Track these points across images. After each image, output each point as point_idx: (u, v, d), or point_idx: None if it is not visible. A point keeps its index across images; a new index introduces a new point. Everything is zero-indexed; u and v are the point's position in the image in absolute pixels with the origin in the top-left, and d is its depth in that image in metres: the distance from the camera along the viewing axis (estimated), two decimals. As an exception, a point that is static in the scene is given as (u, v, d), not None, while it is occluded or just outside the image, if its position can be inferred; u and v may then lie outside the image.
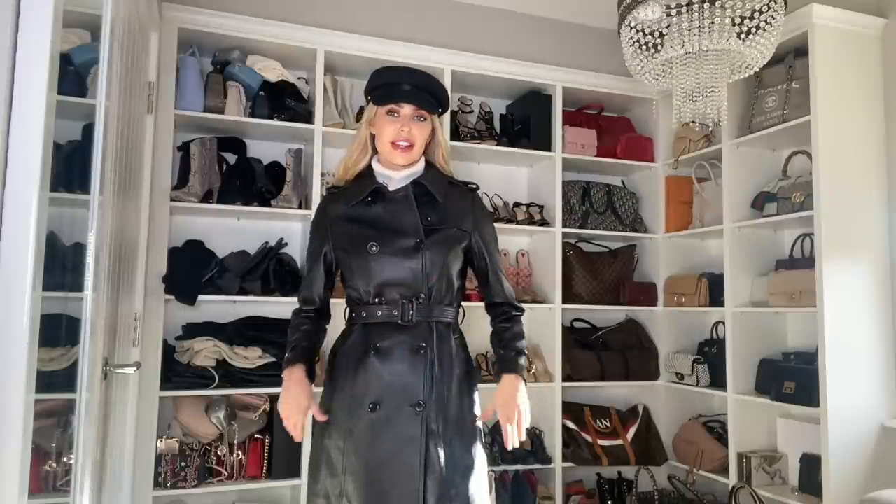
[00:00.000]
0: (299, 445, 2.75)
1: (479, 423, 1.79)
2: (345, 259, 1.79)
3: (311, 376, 1.77)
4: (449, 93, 3.07)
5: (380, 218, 1.77)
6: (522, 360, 1.78)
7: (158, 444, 2.62)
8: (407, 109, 1.77)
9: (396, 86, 1.78)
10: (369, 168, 1.85)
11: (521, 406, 1.69)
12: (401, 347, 1.70)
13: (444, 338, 1.75)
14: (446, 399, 1.71)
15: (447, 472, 1.65)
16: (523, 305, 3.22)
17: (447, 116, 3.14)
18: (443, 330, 1.75)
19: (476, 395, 1.81)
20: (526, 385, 1.76)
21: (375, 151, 1.85)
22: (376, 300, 1.73)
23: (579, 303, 3.37)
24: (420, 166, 1.84)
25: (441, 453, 1.66)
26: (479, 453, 1.75)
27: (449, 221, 1.79)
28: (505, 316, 1.85)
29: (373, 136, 1.84)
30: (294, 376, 1.73)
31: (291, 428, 1.69)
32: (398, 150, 1.77)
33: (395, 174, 1.81)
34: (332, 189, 1.89)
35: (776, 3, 1.96)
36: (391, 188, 1.81)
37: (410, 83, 1.78)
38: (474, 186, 1.90)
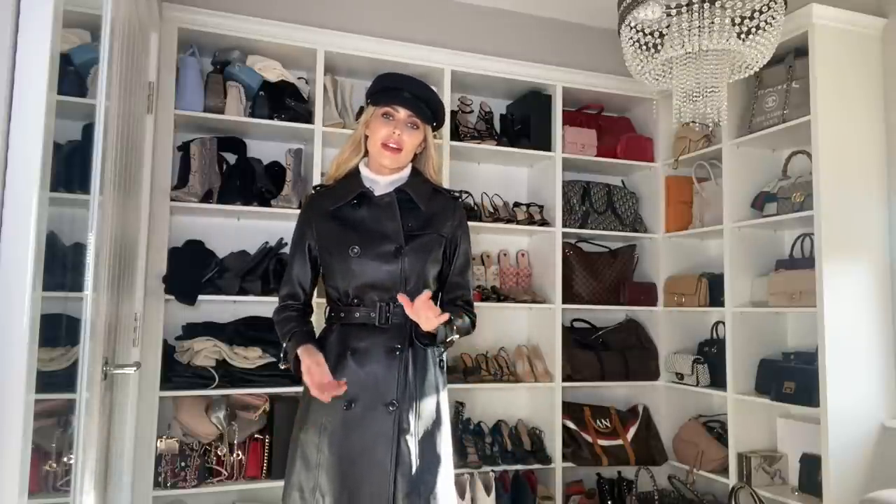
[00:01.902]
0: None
1: (448, 422, 1.85)
2: (327, 259, 1.83)
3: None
4: (448, 90, 3.13)
5: (363, 222, 1.82)
6: (447, 325, 1.73)
7: (158, 444, 2.62)
8: (402, 114, 1.83)
9: (397, 91, 1.84)
10: (357, 171, 1.90)
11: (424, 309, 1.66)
12: (377, 348, 1.76)
13: None
14: (418, 398, 1.77)
15: (416, 468, 1.72)
16: (523, 305, 3.22)
17: (447, 118, 3.14)
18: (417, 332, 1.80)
19: (445, 394, 1.87)
20: (439, 349, 1.80)
21: (367, 154, 1.90)
22: (355, 301, 1.79)
23: (579, 303, 3.37)
24: (405, 173, 1.89)
25: (411, 450, 1.73)
26: (447, 450, 1.82)
27: (429, 227, 1.84)
28: (457, 304, 1.88)
29: (367, 138, 1.89)
30: (308, 352, 1.73)
31: (327, 391, 1.66)
32: (387, 151, 1.82)
33: (382, 179, 1.87)
34: (318, 188, 1.95)
35: (776, 3, 1.96)
36: (377, 193, 1.86)
37: (410, 91, 1.84)
38: (457, 195, 1.96)
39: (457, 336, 1.80)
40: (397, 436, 1.72)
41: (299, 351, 1.75)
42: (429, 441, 1.77)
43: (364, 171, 1.89)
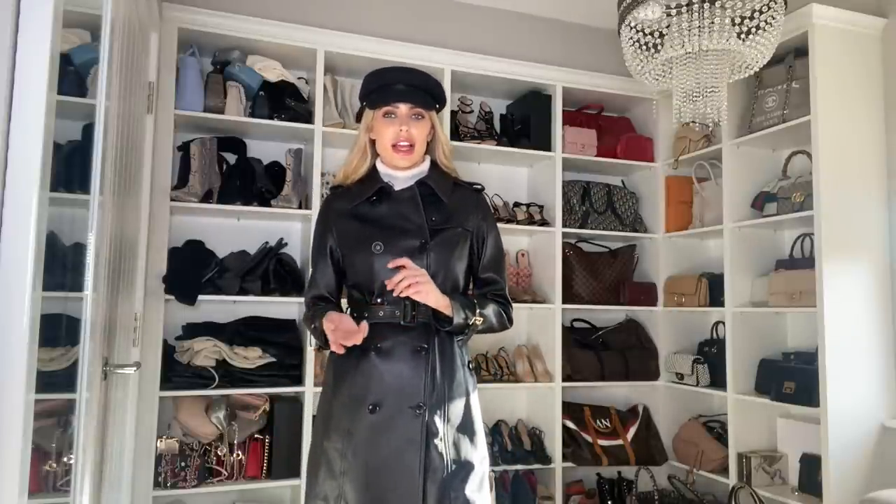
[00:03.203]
0: (299, 446, 2.75)
1: (481, 426, 1.77)
2: (348, 257, 1.77)
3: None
4: (448, 90, 3.12)
5: (385, 217, 1.76)
6: (469, 308, 1.71)
7: (158, 444, 2.62)
8: (403, 109, 1.76)
9: (390, 87, 1.77)
10: (374, 169, 1.84)
11: (423, 279, 1.63)
12: (402, 348, 1.69)
13: (446, 340, 1.73)
14: (447, 401, 1.69)
15: (447, 475, 1.64)
16: (523, 305, 3.22)
17: (447, 116, 3.14)
18: (444, 332, 1.73)
19: (476, 397, 1.79)
20: (451, 329, 1.70)
21: (377, 156, 1.84)
22: (379, 300, 1.71)
23: (579, 303, 3.37)
24: (425, 166, 1.83)
25: (441, 456, 1.65)
26: (481, 455, 1.73)
27: (453, 221, 1.77)
28: (491, 294, 1.83)
29: (372, 142, 1.83)
30: (332, 314, 1.69)
31: (350, 335, 1.61)
32: (399, 153, 1.76)
33: (400, 174, 1.80)
34: (337, 188, 1.88)
35: (776, 3, 1.96)
36: (396, 188, 1.80)
37: (404, 82, 1.77)
38: (480, 187, 1.89)
39: (480, 320, 1.72)
40: (425, 441, 1.63)
41: (325, 316, 1.68)
42: (459, 446, 1.69)
43: (381, 167, 1.82)
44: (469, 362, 1.81)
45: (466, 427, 1.72)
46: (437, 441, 1.65)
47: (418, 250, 1.71)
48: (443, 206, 1.78)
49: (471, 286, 1.88)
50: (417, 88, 1.78)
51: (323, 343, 1.73)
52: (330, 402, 1.74)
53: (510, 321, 1.85)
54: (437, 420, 1.67)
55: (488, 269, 1.83)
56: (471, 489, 1.66)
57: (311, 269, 1.87)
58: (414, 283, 1.62)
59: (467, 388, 1.76)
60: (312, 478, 1.71)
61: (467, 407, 1.74)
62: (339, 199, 1.83)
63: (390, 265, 1.65)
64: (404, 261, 1.65)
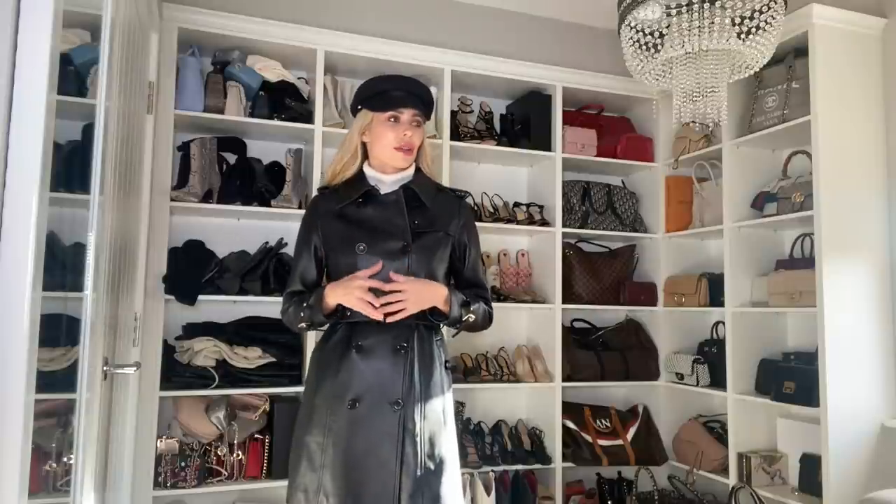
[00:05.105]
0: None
1: (453, 422, 1.85)
2: (332, 257, 1.84)
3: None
4: (448, 90, 3.13)
5: (370, 219, 1.82)
6: (465, 306, 1.81)
7: (158, 444, 2.62)
8: (406, 115, 1.84)
9: (394, 93, 1.85)
10: (360, 171, 1.90)
11: (414, 289, 1.74)
12: (382, 346, 1.76)
13: (425, 339, 1.81)
14: (423, 398, 1.77)
15: (421, 470, 1.71)
16: (524, 305, 3.23)
17: (447, 117, 3.15)
18: (424, 331, 1.81)
19: (450, 395, 1.87)
20: (453, 325, 1.84)
21: (365, 158, 1.91)
22: None
23: (579, 303, 3.37)
24: (410, 171, 1.90)
25: (416, 451, 1.72)
26: (452, 451, 1.81)
27: (436, 225, 1.85)
28: (473, 294, 1.90)
29: (364, 145, 1.90)
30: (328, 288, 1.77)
31: (366, 300, 1.70)
32: (401, 153, 1.83)
33: (387, 178, 1.88)
34: (324, 189, 1.95)
35: (776, 3, 1.96)
36: (382, 191, 1.87)
37: (405, 90, 1.85)
38: (462, 194, 1.98)
39: (472, 317, 1.82)
40: (402, 436, 1.71)
41: (327, 287, 1.76)
42: (434, 442, 1.76)
43: (368, 170, 1.89)
44: (446, 361, 1.88)
45: (441, 424, 1.80)
46: (412, 436, 1.73)
47: (400, 252, 1.78)
48: (426, 211, 1.86)
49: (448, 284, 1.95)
50: (417, 97, 1.86)
51: (319, 320, 1.79)
52: (312, 397, 1.79)
53: (491, 319, 1.94)
54: (414, 416, 1.74)
55: (473, 271, 1.93)
56: (443, 483, 1.75)
57: (292, 266, 1.92)
58: (398, 306, 1.72)
59: (443, 387, 1.83)
60: (294, 471, 1.78)
61: (442, 405, 1.82)
62: (326, 200, 1.89)
63: (386, 288, 1.72)
64: (392, 283, 1.73)
